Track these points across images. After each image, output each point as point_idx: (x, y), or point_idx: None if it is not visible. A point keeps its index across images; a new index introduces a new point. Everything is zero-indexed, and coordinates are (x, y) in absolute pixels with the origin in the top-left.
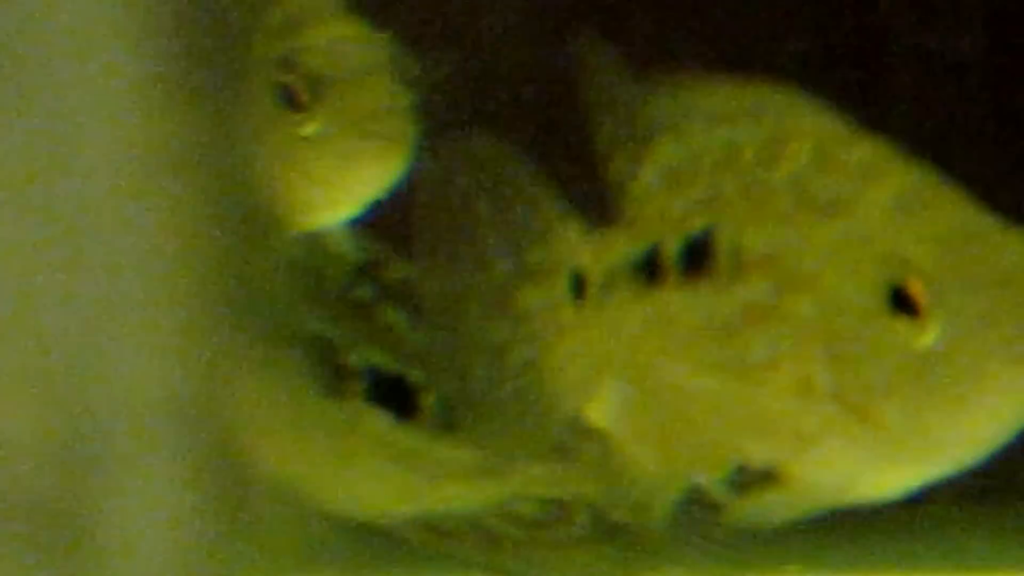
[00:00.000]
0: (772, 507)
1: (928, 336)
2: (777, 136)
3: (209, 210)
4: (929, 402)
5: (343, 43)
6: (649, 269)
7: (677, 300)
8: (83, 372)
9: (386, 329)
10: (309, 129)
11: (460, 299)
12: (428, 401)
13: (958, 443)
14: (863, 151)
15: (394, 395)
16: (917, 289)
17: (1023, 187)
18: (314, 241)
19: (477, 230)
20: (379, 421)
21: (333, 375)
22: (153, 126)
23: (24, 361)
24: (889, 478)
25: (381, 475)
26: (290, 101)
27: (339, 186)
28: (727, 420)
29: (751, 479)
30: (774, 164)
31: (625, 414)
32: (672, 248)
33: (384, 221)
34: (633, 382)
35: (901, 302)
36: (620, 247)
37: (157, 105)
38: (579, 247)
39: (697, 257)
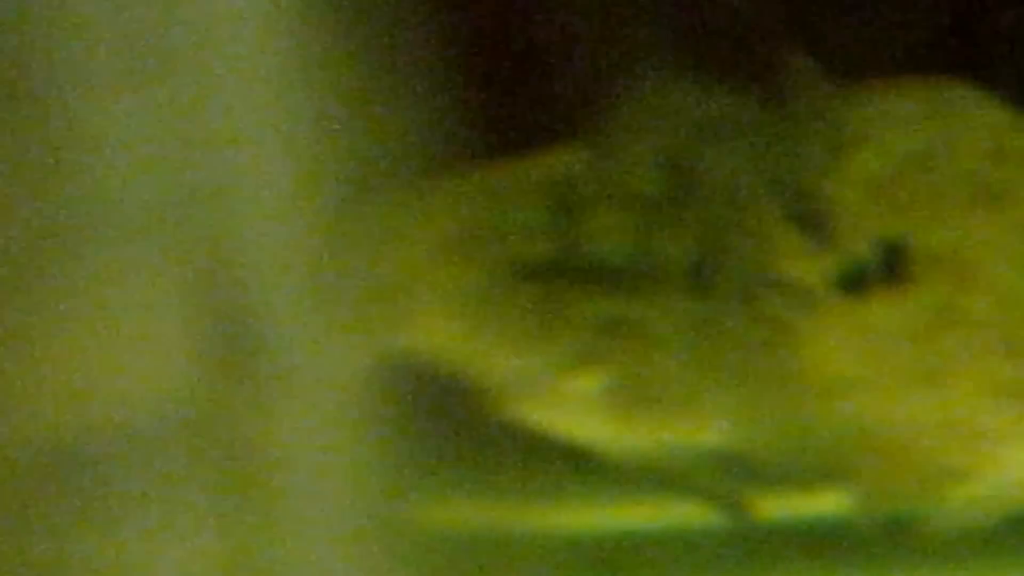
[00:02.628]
0: (971, 510)
1: None
2: (955, 133)
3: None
4: None
5: None
6: (854, 281)
7: (879, 310)
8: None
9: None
10: None
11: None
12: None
13: None
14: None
15: None
16: None
17: None
18: None
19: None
20: None
21: None
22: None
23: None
24: None
25: None
26: None
27: None
28: (928, 428)
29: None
30: (950, 161)
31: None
32: (873, 258)
33: None
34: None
35: None
36: (829, 259)
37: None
38: (801, 261)
39: (894, 264)
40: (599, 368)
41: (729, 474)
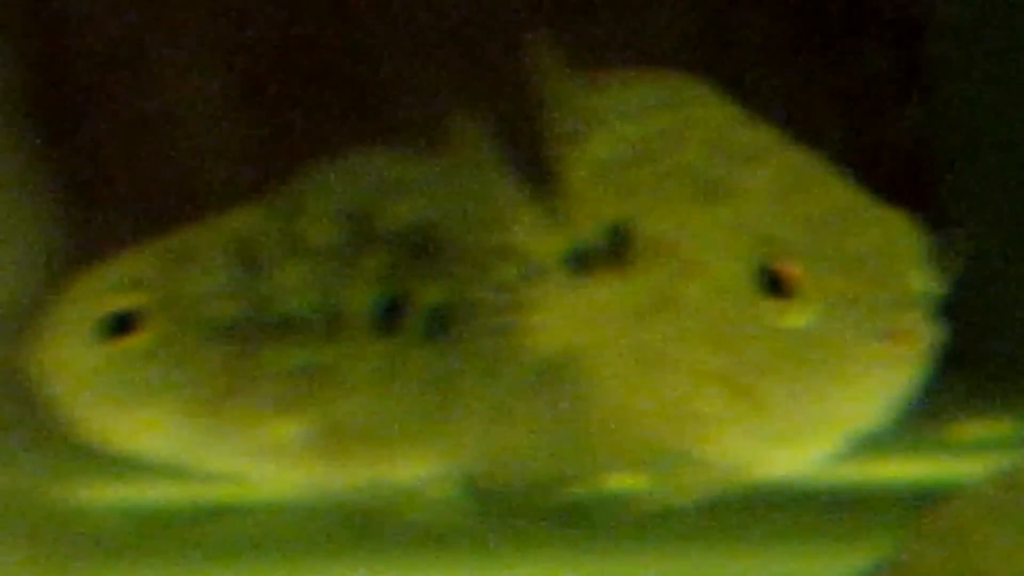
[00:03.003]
0: (680, 490)
1: (800, 317)
2: (679, 126)
3: None
4: (805, 381)
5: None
6: (579, 259)
7: (603, 290)
8: None
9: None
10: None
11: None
12: None
13: (835, 420)
14: (748, 136)
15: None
16: (788, 271)
17: None
18: None
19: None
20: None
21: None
22: None
23: None
24: (780, 456)
25: None
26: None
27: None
28: (642, 407)
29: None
30: (675, 152)
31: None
32: (600, 240)
33: None
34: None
35: (774, 284)
36: (560, 236)
37: None
38: (533, 235)
39: (619, 248)
40: (295, 416)
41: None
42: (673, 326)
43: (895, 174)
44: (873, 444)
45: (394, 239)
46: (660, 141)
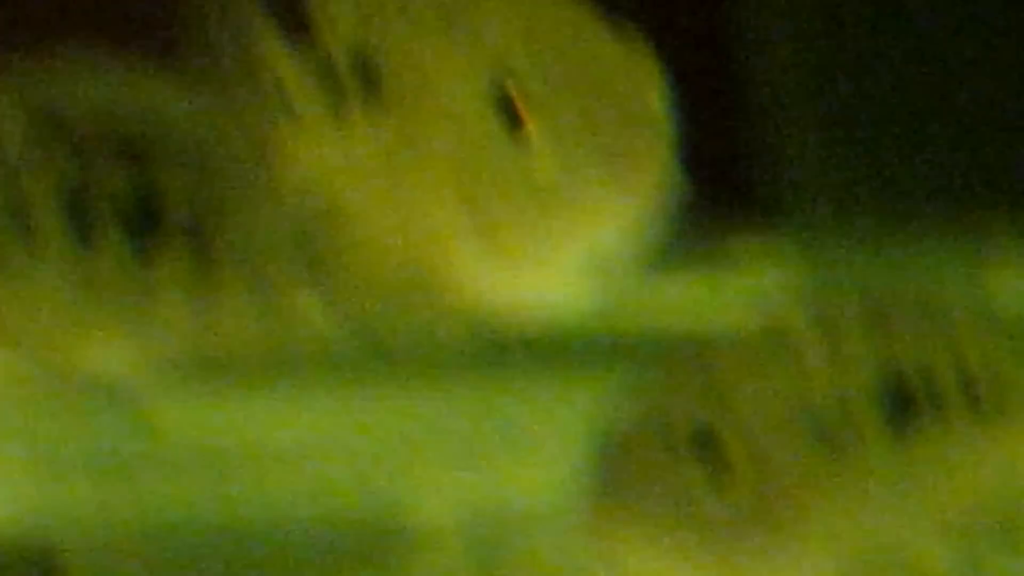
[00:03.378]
0: (437, 321)
1: (534, 141)
2: None
3: None
4: (541, 205)
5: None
6: (332, 92)
7: (356, 128)
8: None
9: None
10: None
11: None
12: None
13: (574, 242)
14: None
15: None
16: (519, 95)
17: None
18: None
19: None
20: None
21: None
22: None
23: None
24: (527, 280)
25: None
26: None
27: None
28: (394, 235)
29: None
30: None
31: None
32: (346, 66)
33: None
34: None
35: (508, 108)
36: (309, 57)
37: None
38: (283, 61)
39: (367, 80)
40: None
41: None
42: (418, 150)
43: None
44: (645, 261)
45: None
46: None
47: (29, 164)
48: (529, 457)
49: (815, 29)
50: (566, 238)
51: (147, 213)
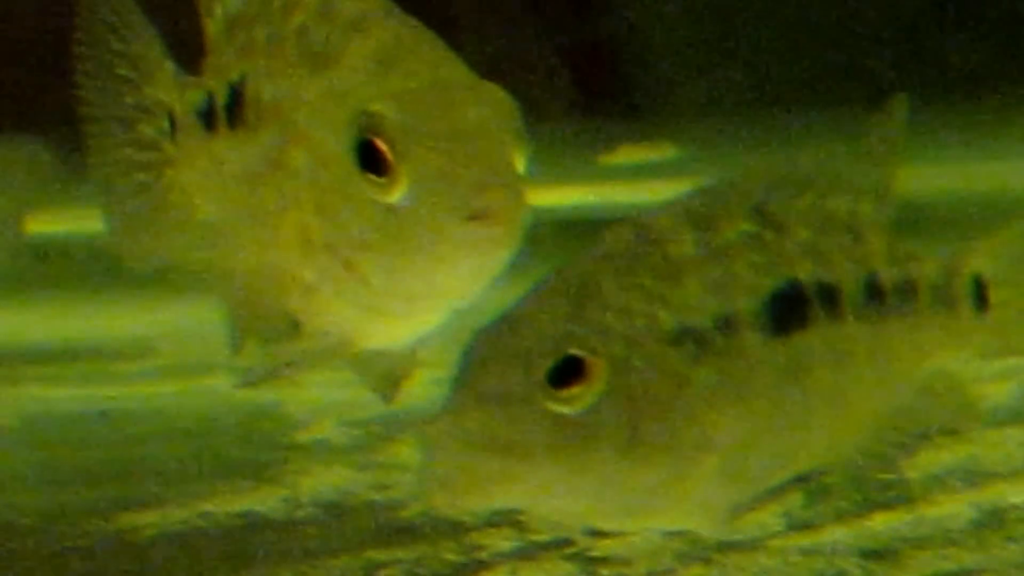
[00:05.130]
0: (296, 357)
1: (394, 192)
2: None
3: None
4: (400, 257)
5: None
6: (207, 117)
7: (225, 149)
8: None
9: None
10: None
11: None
12: None
13: (431, 295)
14: (356, 5)
15: None
16: (383, 146)
17: None
18: None
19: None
20: None
21: None
22: None
23: None
24: (383, 329)
25: None
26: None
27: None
28: (256, 271)
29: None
30: (290, 14)
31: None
32: (221, 96)
33: None
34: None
35: (370, 158)
36: (195, 92)
37: None
38: (171, 90)
39: (234, 106)
40: None
41: None
42: (282, 191)
43: None
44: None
45: None
46: (278, 2)
47: None
48: None
49: None
50: (425, 291)
51: None
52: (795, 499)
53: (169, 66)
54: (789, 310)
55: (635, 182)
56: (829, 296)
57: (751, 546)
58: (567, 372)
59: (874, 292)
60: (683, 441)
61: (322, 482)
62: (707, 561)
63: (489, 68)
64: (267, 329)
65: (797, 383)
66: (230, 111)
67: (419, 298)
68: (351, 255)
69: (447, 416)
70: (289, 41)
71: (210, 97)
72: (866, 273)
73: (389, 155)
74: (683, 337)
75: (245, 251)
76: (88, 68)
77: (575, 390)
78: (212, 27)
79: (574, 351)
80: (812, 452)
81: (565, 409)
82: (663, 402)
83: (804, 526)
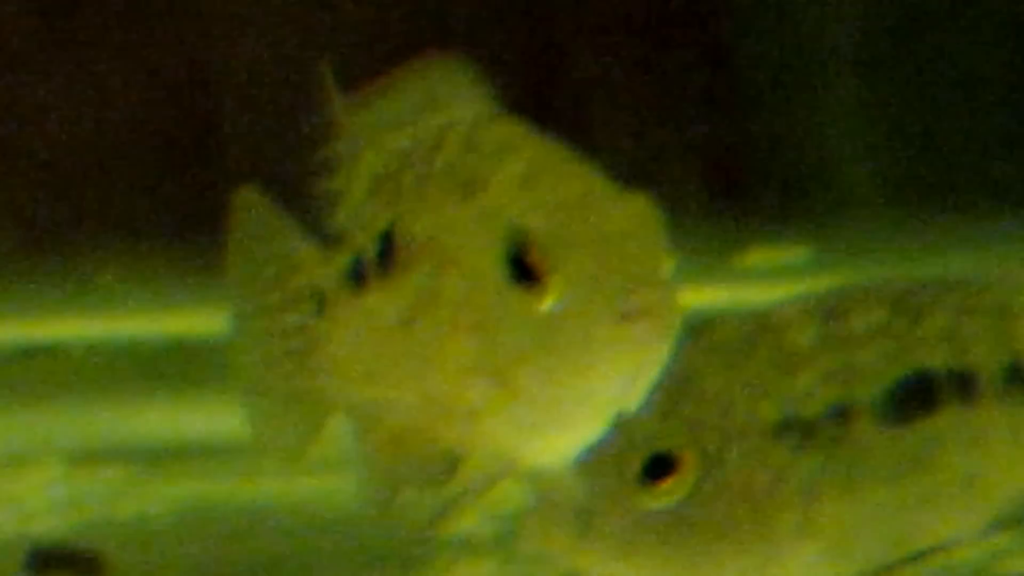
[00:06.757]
0: (458, 496)
1: (547, 300)
2: (439, 128)
3: None
4: (556, 366)
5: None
6: (357, 275)
7: (379, 299)
8: None
9: None
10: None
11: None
12: None
13: (589, 402)
14: (500, 132)
15: None
16: (534, 256)
17: None
18: None
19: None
20: None
21: None
22: None
23: None
24: (546, 444)
25: None
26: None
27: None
28: (419, 411)
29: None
30: (435, 155)
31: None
32: (371, 250)
33: None
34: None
35: (522, 271)
36: (343, 257)
37: None
38: (317, 268)
39: (385, 253)
40: None
41: None
42: (437, 322)
43: None
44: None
45: None
46: (422, 146)
47: None
48: None
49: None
50: (583, 398)
51: None
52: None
53: (312, 250)
54: (914, 397)
55: (768, 283)
56: (963, 381)
57: None
58: (659, 468)
59: (1016, 375)
60: (779, 530)
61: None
62: None
63: (625, 168)
64: (424, 472)
65: (921, 468)
66: (381, 260)
67: (577, 405)
68: (509, 372)
69: (548, 507)
70: (437, 178)
71: (358, 256)
72: (1009, 357)
73: (539, 264)
74: (786, 428)
75: (405, 392)
76: (236, 275)
77: (665, 485)
78: (354, 194)
79: (663, 447)
80: (937, 532)
81: (655, 504)
82: (758, 493)
83: None
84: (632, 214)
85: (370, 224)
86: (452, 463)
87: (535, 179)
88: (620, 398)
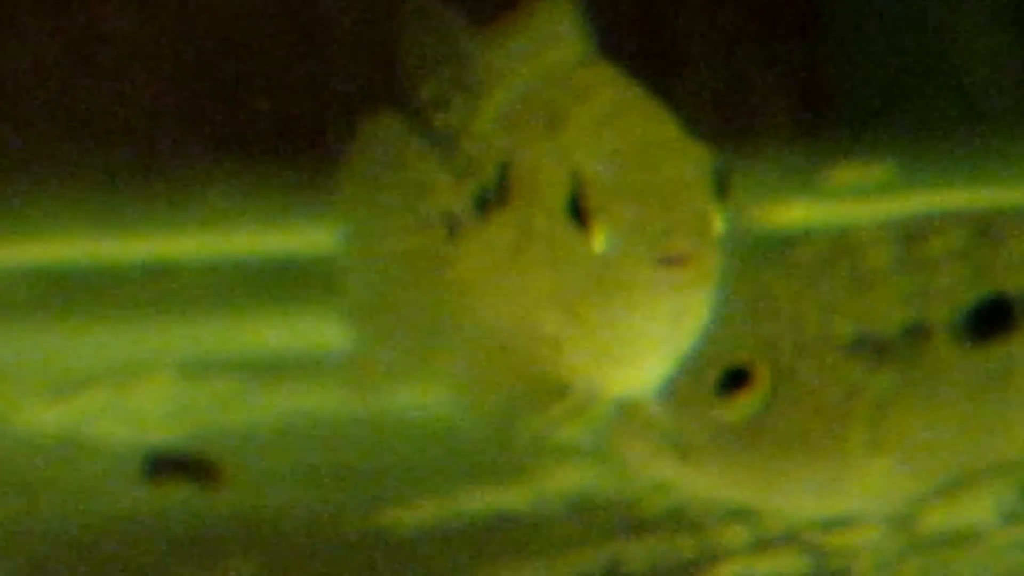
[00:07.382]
0: (558, 417)
1: (596, 242)
2: (545, 68)
3: None
4: (605, 305)
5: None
6: (481, 204)
7: (496, 229)
8: None
9: None
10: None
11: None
12: None
13: (638, 342)
14: (589, 73)
15: None
16: (586, 200)
17: None
18: None
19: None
20: None
21: None
22: None
23: None
24: (617, 375)
25: None
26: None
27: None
28: (519, 337)
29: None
30: (540, 93)
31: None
32: (491, 182)
33: None
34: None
35: (579, 212)
36: (472, 184)
37: None
38: (450, 195)
39: (501, 185)
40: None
41: None
42: (530, 255)
43: None
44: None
45: None
46: (531, 84)
47: None
48: None
49: None
50: (636, 336)
51: None
52: (1010, 493)
53: (447, 177)
54: (991, 319)
55: (856, 201)
56: None
57: (968, 541)
58: (734, 380)
59: None
60: (851, 445)
61: (566, 481)
62: (926, 554)
63: (711, 91)
64: (534, 394)
65: (994, 388)
66: (498, 191)
67: (630, 343)
68: (575, 306)
69: (630, 420)
70: (538, 114)
71: (483, 186)
72: None
73: (590, 207)
74: (860, 345)
75: (511, 320)
76: (359, 197)
77: (740, 398)
78: (483, 126)
79: (738, 360)
80: (1007, 451)
81: (730, 416)
82: (830, 408)
83: (1020, 521)
84: (685, 164)
85: (493, 157)
86: (560, 387)
87: (606, 123)
88: (666, 339)
